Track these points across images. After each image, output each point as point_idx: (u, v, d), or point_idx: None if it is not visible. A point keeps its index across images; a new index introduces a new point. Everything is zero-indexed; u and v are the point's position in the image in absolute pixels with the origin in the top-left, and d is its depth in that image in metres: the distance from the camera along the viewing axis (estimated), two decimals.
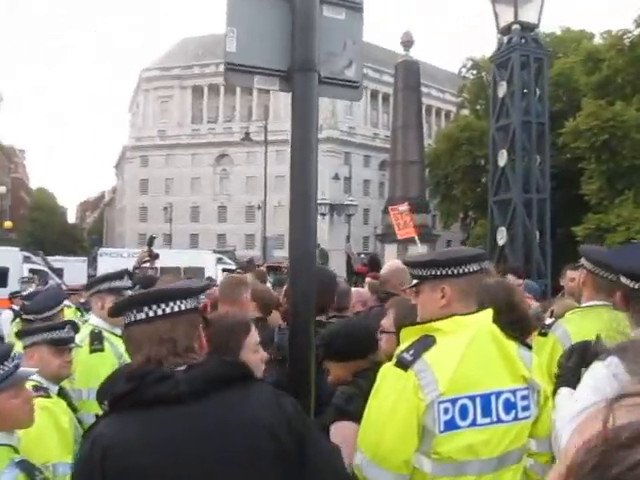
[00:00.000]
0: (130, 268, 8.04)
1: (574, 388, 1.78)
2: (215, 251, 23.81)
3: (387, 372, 1.83)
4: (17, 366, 2.00)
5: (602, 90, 26.42)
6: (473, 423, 1.76)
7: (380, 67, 58.62)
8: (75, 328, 2.90)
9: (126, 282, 3.48)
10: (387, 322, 2.42)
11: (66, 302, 4.93)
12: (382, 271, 3.48)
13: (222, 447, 1.33)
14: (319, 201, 26.59)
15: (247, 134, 27.39)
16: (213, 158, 57.51)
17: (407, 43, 24.44)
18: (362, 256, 28.80)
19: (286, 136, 54.15)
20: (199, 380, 1.34)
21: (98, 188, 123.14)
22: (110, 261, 18.04)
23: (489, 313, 1.90)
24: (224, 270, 15.52)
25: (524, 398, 1.86)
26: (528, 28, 7.38)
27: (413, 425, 1.73)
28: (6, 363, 1.96)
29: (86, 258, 26.20)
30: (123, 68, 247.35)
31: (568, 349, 2.03)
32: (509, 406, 1.82)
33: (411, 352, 1.78)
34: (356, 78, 2.19)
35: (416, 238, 8.72)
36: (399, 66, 23.87)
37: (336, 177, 35.93)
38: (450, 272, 1.87)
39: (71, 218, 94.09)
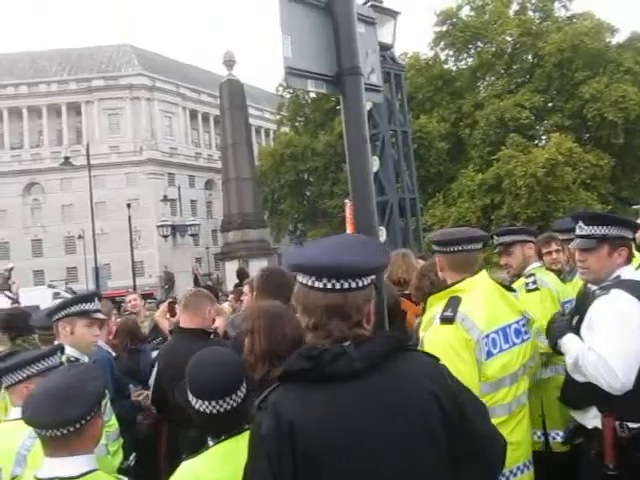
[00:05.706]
0: None
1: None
2: (50, 286, 21.80)
3: (439, 329, 2.41)
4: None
5: (407, 105, 29.55)
6: (500, 349, 2.42)
7: (197, 87, 58.39)
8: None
9: (97, 304, 3.31)
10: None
11: None
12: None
13: (400, 416, 1.40)
14: (160, 223, 25.14)
15: (67, 158, 25.40)
16: (21, 188, 52.30)
17: (230, 62, 24.58)
18: (206, 277, 28.37)
19: (103, 160, 51.07)
20: (374, 356, 1.40)
21: None
22: None
23: (485, 273, 2.61)
24: None
25: (524, 325, 2.58)
26: (386, 47, 8.32)
27: (472, 358, 2.33)
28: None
29: None
30: None
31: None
32: (517, 332, 2.53)
33: (449, 310, 2.40)
34: (378, 82, 2.55)
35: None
36: (224, 85, 23.81)
37: (165, 199, 34.80)
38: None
39: None
